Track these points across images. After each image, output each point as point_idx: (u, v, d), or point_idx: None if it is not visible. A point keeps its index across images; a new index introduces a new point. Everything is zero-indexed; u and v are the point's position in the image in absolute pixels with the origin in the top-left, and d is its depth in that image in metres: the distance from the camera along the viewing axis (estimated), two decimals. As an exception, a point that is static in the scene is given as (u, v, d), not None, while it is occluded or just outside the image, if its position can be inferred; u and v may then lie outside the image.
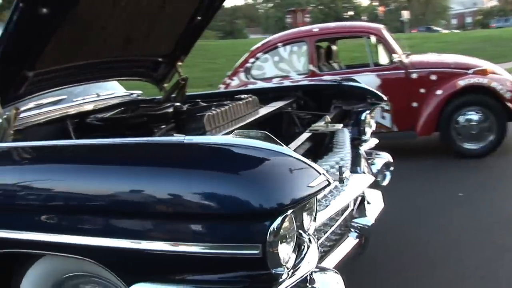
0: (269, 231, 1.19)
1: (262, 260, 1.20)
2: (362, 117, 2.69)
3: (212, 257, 1.25)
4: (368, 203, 2.38)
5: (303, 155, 1.87)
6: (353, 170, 2.36)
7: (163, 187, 1.27)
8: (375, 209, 2.31)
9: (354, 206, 2.27)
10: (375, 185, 2.64)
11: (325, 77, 4.80)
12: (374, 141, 2.85)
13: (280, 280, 1.27)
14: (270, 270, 1.22)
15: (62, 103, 2.58)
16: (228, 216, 1.21)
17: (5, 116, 1.81)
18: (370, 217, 2.15)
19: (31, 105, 2.34)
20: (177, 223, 1.28)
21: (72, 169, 1.48)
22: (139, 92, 3.22)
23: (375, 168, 2.70)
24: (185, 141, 1.36)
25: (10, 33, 1.66)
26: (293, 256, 1.34)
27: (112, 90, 3.03)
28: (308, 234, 1.45)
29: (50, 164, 1.56)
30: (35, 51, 1.89)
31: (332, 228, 1.96)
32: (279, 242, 1.24)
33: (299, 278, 1.32)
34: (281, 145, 1.35)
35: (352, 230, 2.00)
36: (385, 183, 2.76)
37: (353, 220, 2.08)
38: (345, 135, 2.46)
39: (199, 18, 2.84)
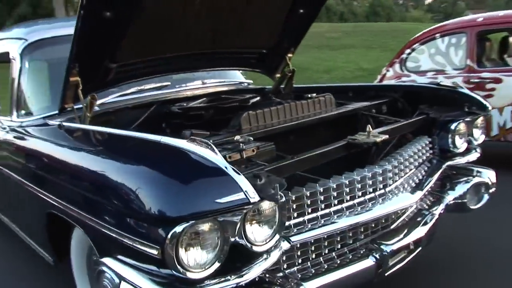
0: (168, 235, 1.24)
1: (162, 261, 1.27)
2: (452, 127, 2.32)
3: (129, 246, 1.38)
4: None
5: (326, 164, 1.81)
6: (412, 186, 2.10)
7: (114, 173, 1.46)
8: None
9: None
10: (461, 208, 2.28)
11: (483, 74, 4.13)
12: (473, 156, 2.41)
13: (195, 282, 1.31)
14: (171, 271, 1.28)
15: (165, 89, 2.94)
16: (140, 213, 1.31)
17: (85, 104, 2.20)
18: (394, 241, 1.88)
19: (132, 89, 2.77)
20: (108, 207, 1.46)
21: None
22: (249, 81, 3.41)
23: (461, 189, 2.31)
24: (161, 140, 1.50)
25: (82, 31, 1.99)
26: (216, 263, 1.34)
27: (224, 79, 3.26)
28: (255, 244, 1.42)
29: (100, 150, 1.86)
30: (112, 46, 2.23)
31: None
32: (182, 246, 1.27)
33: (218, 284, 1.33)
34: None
35: (371, 252, 1.80)
36: (475, 206, 2.34)
37: (377, 241, 1.85)
38: (413, 146, 2.17)
39: (301, 11, 2.83)
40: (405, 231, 1.92)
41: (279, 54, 3.03)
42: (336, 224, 1.72)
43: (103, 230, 1.50)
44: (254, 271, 1.41)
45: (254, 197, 1.29)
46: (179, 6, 2.31)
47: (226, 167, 1.32)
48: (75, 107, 2.29)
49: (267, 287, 1.50)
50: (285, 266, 1.66)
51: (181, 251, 1.27)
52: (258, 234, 1.44)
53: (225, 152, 1.57)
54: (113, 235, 1.44)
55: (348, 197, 1.80)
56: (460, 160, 2.39)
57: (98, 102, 2.59)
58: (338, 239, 1.79)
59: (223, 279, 1.36)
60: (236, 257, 1.42)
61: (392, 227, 1.96)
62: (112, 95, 2.67)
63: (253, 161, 1.62)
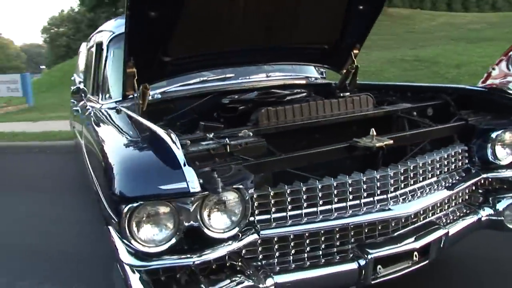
0: (122, 212, 1.43)
1: (120, 232, 1.47)
2: (493, 136, 2.09)
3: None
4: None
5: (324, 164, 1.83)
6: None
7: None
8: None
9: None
10: (497, 226, 2.07)
11: None
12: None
13: (151, 255, 1.50)
14: (126, 242, 1.47)
15: (228, 80, 3.15)
16: (112, 192, 1.52)
17: (138, 93, 2.50)
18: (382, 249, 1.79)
19: (196, 80, 3.03)
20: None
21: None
22: (316, 76, 3.43)
23: (501, 205, 2.08)
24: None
25: (131, 29, 2.29)
26: (171, 241, 1.50)
27: (290, 73, 3.35)
28: (212, 231, 1.54)
29: None
30: (161, 42, 2.49)
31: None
32: (135, 223, 1.46)
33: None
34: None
35: (357, 257, 1.76)
36: None
37: (364, 247, 1.79)
38: (438, 153, 2.02)
39: (361, 7, 2.79)
40: (404, 240, 1.82)
41: (344, 50, 3.00)
42: (314, 225, 1.73)
43: (101, 204, 1.77)
44: (210, 255, 1.54)
45: (195, 187, 1.41)
46: (224, 4, 2.47)
47: (178, 160, 1.45)
48: (135, 94, 2.63)
49: (228, 272, 1.61)
50: (260, 257, 1.74)
51: (134, 227, 1.46)
52: (217, 222, 1.56)
53: (213, 145, 1.72)
54: (106, 207, 1.69)
55: (336, 199, 1.78)
56: (503, 174, 2.13)
57: (160, 90, 2.93)
58: (323, 239, 1.79)
59: (179, 256, 1.52)
60: (198, 240, 1.56)
61: (395, 234, 1.87)
62: (175, 84, 2.98)
63: (236, 156, 1.73)
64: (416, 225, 1.93)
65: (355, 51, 2.97)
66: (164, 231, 1.50)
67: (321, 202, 1.76)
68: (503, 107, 2.20)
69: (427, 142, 2.27)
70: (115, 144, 1.85)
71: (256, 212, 1.71)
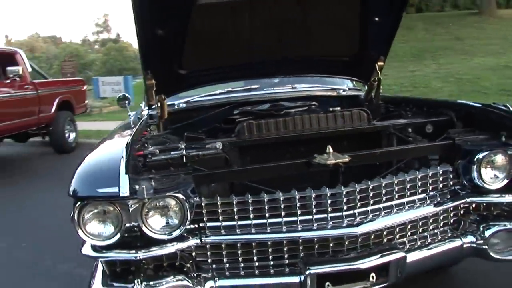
0: (74, 208, 1.66)
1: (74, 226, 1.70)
2: (477, 157, 1.94)
3: None
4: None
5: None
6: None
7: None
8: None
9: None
10: (481, 255, 1.94)
11: None
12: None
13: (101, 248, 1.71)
14: (80, 235, 1.69)
15: (254, 91, 3.27)
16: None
17: (158, 103, 2.74)
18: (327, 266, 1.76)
19: (221, 90, 3.21)
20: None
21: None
22: (350, 87, 3.41)
23: (487, 232, 1.93)
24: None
25: (142, 46, 2.54)
26: (115, 237, 1.69)
27: (318, 84, 3.37)
28: (152, 232, 1.70)
29: None
30: (174, 56, 2.71)
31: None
32: (83, 219, 1.67)
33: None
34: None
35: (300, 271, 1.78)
36: (500, 256, 1.92)
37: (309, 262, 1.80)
38: (414, 172, 1.94)
39: (377, 19, 2.76)
40: (351, 260, 1.79)
41: (368, 62, 2.96)
42: (259, 235, 1.80)
43: None
44: (152, 253, 1.70)
45: (125, 192, 1.59)
46: (228, 18, 2.61)
47: (119, 167, 1.64)
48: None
49: (172, 271, 1.75)
50: (209, 261, 1.85)
51: (83, 223, 1.67)
52: (157, 224, 1.72)
53: (174, 155, 1.90)
54: None
55: (283, 213, 1.82)
56: (490, 199, 1.97)
57: (186, 99, 3.17)
58: (270, 251, 1.84)
59: (127, 251, 1.70)
60: (142, 239, 1.73)
61: (349, 252, 1.85)
62: (201, 94, 3.21)
63: (190, 166, 1.88)
64: (371, 246, 1.87)
65: (380, 63, 2.91)
66: (108, 228, 1.70)
67: (268, 215, 1.82)
68: (500, 126, 2.03)
69: (417, 159, 2.18)
70: (98, 147, 2.11)
71: (205, 218, 1.83)
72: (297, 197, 1.81)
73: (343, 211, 1.83)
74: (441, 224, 2.01)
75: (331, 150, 1.86)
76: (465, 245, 1.95)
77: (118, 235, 1.69)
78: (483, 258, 1.97)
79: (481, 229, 1.95)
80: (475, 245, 1.94)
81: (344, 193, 1.82)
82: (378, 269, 1.81)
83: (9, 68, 6.47)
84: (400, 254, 1.81)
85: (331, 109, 2.44)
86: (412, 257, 1.85)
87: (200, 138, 2.26)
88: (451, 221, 2.02)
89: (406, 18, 22.20)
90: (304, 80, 3.38)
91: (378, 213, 1.88)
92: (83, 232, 1.69)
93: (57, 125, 7.59)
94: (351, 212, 1.84)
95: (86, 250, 1.75)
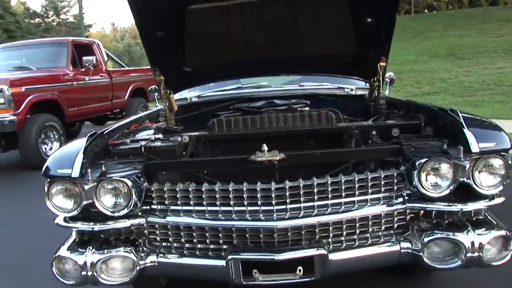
0: (45, 184, 2.02)
1: None
2: (417, 164, 1.95)
3: None
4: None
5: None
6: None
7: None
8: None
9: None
10: (416, 260, 1.98)
11: None
12: (461, 206, 1.95)
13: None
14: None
15: (261, 88, 3.45)
16: None
17: (165, 97, 3.05)
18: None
19: (231, 86, 3.44)
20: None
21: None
22: (352, 87, 3.43)
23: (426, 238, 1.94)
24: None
25: (146, 44, 2.84)
26: (75, 211, 2.02)
27: (324, 83, 3.44)
28: (105, 209, 2.00)
29: None
30: (177, 55, 2.99)
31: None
32: (51, 194, 2.01)
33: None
34: None
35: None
36: (434, 264, 1.96)
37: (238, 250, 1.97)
38: (355, 174, 2.01)
39: (369, 20, 2.81)
40: (275, 252, 1.93)
41: (371, 62, 2.99)
42: (198, 220, 2.01)
43: None
44: (103, 226, 2.01)
45: (76, 174, 1.90)
46: (221, 22, 2.82)
47: (78, 153, 1.97)
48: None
49: (124, 244, 2.03)
50: (158, 239, 2.11)
51: (50, 197, 2.02)
52: (108, 203, 2.01)
53: (136, 145, 2.19)
54: None
55: (218, 203, 2.01)
56: (431, 206, 1.97)
57: (197, 93, 3.46)
58: (207, 235, 2.04)
59: (83, 222, 2.03)
60: (100, 215, 2.04)
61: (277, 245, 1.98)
62: (212, 89, 3.47)
63: (146, 155, 2.16)
64: (300, 241, 1.98)
65: (382, 64, 2.92)
66: (70, 203, 2.03)
67: (205, 203, 2.02)
68: (451, 133, 2.02)
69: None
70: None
71: (154, 202, 2.08)
72: (231, 189, 1.99)
73: (273, 206, 1.97)
74: (383, 228, 2.04)
75: (266, 148, 2.01)
76: (402, 250, 1.98)
77: (78, 209, 2.02)
78: (419, 263, 1.98)
79: (421, 236, 1.96)
80: (411, 251, 1.97)
81: (273, 189, 1.95)
82: (304, 263, 1.93)
83: (84, 58, 7.29)
84: (321, 252, 1.90)
85: (298, 109, 2.55)
86: (338, 256, 1.94)
87: (175, 131, 2.51)
88: (396, 225, 2.05)
89: (498, 9, 20.34)
90: (313, 79, 3.47)
91: (308, 211, 1.98)
92: (51, 204, 2.04)
93: (130, 110, 8.34)
94: (282, 207, 1.97)
95: (58, 220, 2.10)
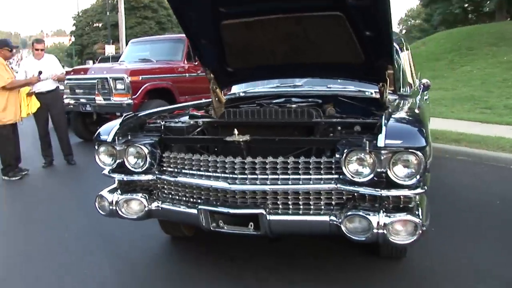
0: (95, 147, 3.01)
1: None
2: (342, 154, 2.46)
3: None
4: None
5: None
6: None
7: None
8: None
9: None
10: (339, 233, 2.51)
11: None
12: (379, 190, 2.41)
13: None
14: None
15: (298, 87, 4.07)
16: None
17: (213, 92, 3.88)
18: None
19: (271, 85, 4.14)
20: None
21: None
22: (372, 90, 3.85)
23: (343, 214, 2.47)
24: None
25: (194, 48, 3.70)
26: (113, 164, 2.95)
27: (348, 86, 3.93)
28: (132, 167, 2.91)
29: None
30: (220, 56, 3.76)
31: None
32: (99, 153, 2.97)
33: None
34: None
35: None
36: (352, 236, 2.45)
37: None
38: (294, 157, 2.60)
39: (368, 33, 3.25)
40: (229, 207, 2.64)
41: (379, 69, 3.43)
42: (187, 179, 2.79)
43: None
44: (128, 178, 2.92)
45: (109, 139, 2.83)
46: (249, 33, 3.50)
47: (114, 125, 2.90)
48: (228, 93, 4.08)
49: (144, 191, 2.93)
50: (166, 191, 2.94)
51: (98, 155, 2.98)
52: (132, 162, 2.90)
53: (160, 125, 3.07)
54: None
55: (202, 169, 2.76)
56: (355, 189, 2.45)
57: (244, 89, 4.23)
58: (194, 191, 2.81)
59: (118, 174, 2.95)
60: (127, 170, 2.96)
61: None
62: (257, 86, 4.22)
63: (163, 131, 3.01)
64: (249, 202, 2.63)
65: (389, 71, 3.35)
66: (109, 159, 2.97)
67: (193, 168, 2.80)
68: None
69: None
70: None
71: (165, 165, 2.93)
72: (210, 160, 2.73)
73: (235, 175, 2.66)
74: (322, 203, 2.57)
75: (236, 132, 2.70)
76: (331, 222, 2.50)
77: (114, 165, 2.96)
78: (342, 236, 2.47)
79: (343, 211, 2.47)
80: (335, 223, 2.48)
81: (235, 162, 2.64)
82: (253, 220, 2.59)
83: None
84: (261, 211, 2.54)
85: (288, 106, 3.14)
86: (275, 217, 2.55)
87: (197, 116, 3.32)
88: (326, 201, 2.56)
89: None
90: (341, 82, 3.98)
91: (258, 181, 2.61)
92: (99, 159, 3.01)
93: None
94: (243, 176, 2.65)
95: (104, 171, 3.06)
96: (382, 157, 2.38)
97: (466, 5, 26.34)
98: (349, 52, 3.42)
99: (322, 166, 2.56)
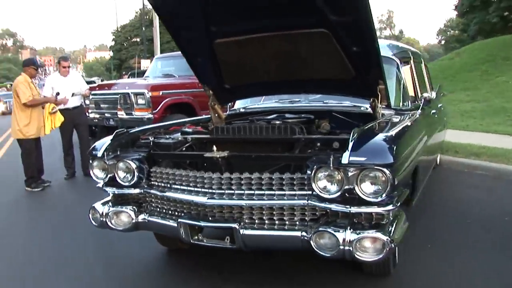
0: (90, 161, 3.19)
1: None
2: (310, 170, 2.51)
3: None
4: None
5: None
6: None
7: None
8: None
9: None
10: (309, 249, 2.55)
11: None
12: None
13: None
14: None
15: (295, 102, 4.14)
16: None
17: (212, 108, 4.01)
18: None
19: (270, 100, 4.23)
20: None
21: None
22: (366, 105, 3.85)
23: (312, 231, 2.51)
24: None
25: (190, 64, 3.84)
26: (105, 178, 3.12)
27: (342, 101, 3.95)
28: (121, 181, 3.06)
29: None
30: (216, 74, 3.88)
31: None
32: (94, 167, 3.15)
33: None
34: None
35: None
36: (322, 252, 2.48)
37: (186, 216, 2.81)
38: (273, 173, 2.66)
39: (355, 49, 3.28)
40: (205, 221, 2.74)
41: (370, 84, 3.45)
42: (171, 194, 2.91)
43: None
44: (118, 191, 3.08)
45: (100, 154, 2.99)
46: (241, 51, 3.60)
47: (105, 142, 3.07)
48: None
49: (133, 202, 3.09)
50: (154, 204, 3.08)
51: (92, 169, 3.17)
52: (121, 176, 3.05)
53: (149, 141, 3.22)
54: None
55: (185, 184, 2.87)
56: (324, 205, 2.48)
57: (244, 105, 4.34)
58: (178, 205, 2.92)
59: (109, 187, 3.12)
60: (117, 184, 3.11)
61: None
62: (256, 102, 4.32)
63: (151, 148, 3.15)
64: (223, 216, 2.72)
65: (380, 86, 3.37)
66: (101, 174, 3.13)
67: (177, 183, 2.91)
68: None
69: None
70: None
71: (152, 179, 3.06)
72: (190, 175, 2.83)
73: (213, 190, 2.74)
74: (296, 218, 2.61)
75: (215, 149, 2.80)
76: (302, 237, 2.53)
77: (106, 179, 3.12)
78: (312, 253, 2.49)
79: (313, 227, 2.51)
80: (306, 238, 2.51)
81: (213, 177, 2.73)
82: (229, 234, 2.67)
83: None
84: (234, 226, 2.61)
85: (272, 123, 3.21)
86: (249, 232, 2.62)
87: (188, 133, 3.44)
88: (300, 217, 2.60)
89: None
90: (337, 98, 4.01)
91: (237, 196, 2.69)
92: (92, 173, 3.18)
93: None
94: (220, 191, 2.73)
95: (99, 185, 3.23)
96: (349, 174, 2.41)
97: (506, 13, 25.49)
98: (339, 68, 3.46)
99: (295, 182, 2.61)
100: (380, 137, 2.65)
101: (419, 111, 4.11)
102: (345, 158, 2.38)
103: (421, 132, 3.68)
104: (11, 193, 6.20)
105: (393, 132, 2.88)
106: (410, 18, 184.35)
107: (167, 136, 3.35)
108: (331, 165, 2.39)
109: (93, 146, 3.22)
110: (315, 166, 2.48)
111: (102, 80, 32.94)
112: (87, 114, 8.07)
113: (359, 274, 3.13)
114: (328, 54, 3.39)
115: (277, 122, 3.34)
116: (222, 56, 3.68)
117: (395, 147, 2.53)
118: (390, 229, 2.44)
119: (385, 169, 2.36)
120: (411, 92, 4.41)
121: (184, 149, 3.26)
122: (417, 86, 4.68)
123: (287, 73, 3.71)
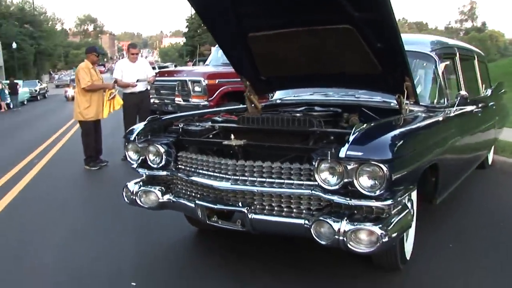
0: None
1: None
2: (314, 162, 2.62)
3: None
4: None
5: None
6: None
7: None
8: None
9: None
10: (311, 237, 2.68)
11: None
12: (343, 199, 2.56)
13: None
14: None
15: (329, 96, 4.23)
16: None
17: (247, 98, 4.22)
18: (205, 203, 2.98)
19: (305, 93, 4.35)
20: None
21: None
22: (393, 101, 3.84)
23: (314, 220, 2.63)
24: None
25: (228, 57, 4.07)
26: (138, 160, 3.43)
27: (372, 96, 3.98)
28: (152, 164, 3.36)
29: None
30: (252, 66, 4.05)
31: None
32: (128, 150, 3.47)
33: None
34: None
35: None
36: (320, 240, 2.60)
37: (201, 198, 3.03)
38: (282, 162, 2.81)
39: (379, 45, 3.32)
40: (220, 204, 2.96)
41: (397, 80, 3.48)
42: (196, 178, 3.13)
43: None
44: (149, 172, 3.39)
45: (132, 138, 3.31)
46: (273, 44, 3.74)
47: (138, 127, 3.38)
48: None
49: (162, 183, 3.38)
50: (179, 186, 3.35)
51: (127, 152, 3.50)
52: (151, 158, 3.34)
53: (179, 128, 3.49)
54: None
55: (207, 168, 3.10)
56: (327, 197, 2.58)
57: (280, 97, 4.50)
58: (188, 186, 3.20)
59: (142, 169, 3.44)
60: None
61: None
62: (292, 94, 4.47)
63: (181, 134, 3.41)
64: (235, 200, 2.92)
65: (407, 83, 3.40)
66: (135, 156, 3.45)
67: (199, 168, 3.15)
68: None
69: None
70: None
71: (179, 163, 3.32)
72: (210, 161, 3.06)
73: (229, 175, 2.95)
74: (303, 207, 2.75)
75: (233, 137, 3.00)
76: (305, 225, 2.67)
77: (139, 160, 3.43)
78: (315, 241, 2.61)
79: (317, 217, 2.63)
80: (308, 226, 2.64)
81: (229, 164, 2.93)
82: (240, 218, 2.88)
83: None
84: (243, 210, 2.81)
85: (291, 115, 3.34)
86: (257, 216, 2.80)
87: (217, 121, 3.66)
88: (307, 206, 2.73)
89: None
90: (368, 92, 4.03)
91: (250, 182, 2.87)
92: (127, 155, 3.51)
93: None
94: (233, 177, 2.93)
95: (132, 166, 3.55)
96: (349, 167, 2.49)
97: None
98: (367, 64, 3.50)
99: (302, 173, 2.74)
100: (383, 132, 2.69)
101: (453, 108, 4.01)
102: (343, 152, 2.47)
103: (447, 130, 3.62)
104: (72, 169, 6.89)
105: (401, 128, 2.90)
106: (495, 10, 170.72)
107: (197, 124, 3.60)
108: (329, 158, 2.49)
109: (129, 130, 3.55)
110: (318, 158, 2.60)
111: (175, 66, 34.15)
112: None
113: (367, 267, 3.18)
114: (355, 50, 3.44)
115: (297, 114, 3.46)
116: (255, 49, 3.85)
117: (397, 143, 2.57)
118: (388, 224, 2.50)
119: (381, 165, 2.42)
120: (453, 90, 4.30)
121: (211, 136, 3.49)
122: (461, 83, 4.54)
123: (317, 67, 3.80)
